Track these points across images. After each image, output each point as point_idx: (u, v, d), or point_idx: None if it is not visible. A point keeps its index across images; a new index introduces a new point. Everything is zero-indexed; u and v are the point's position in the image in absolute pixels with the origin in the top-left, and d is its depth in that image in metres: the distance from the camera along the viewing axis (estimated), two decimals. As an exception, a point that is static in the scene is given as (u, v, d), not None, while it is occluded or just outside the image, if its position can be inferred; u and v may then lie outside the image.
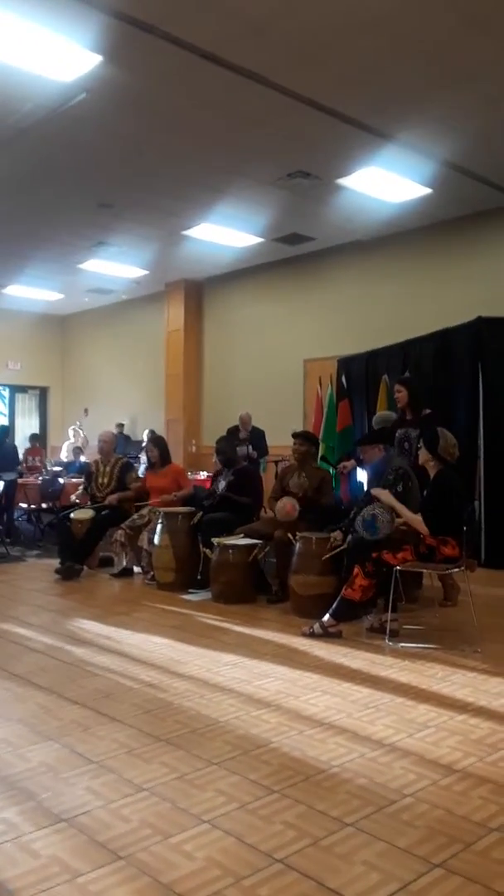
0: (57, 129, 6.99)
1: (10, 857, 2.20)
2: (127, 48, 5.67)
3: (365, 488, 5.79)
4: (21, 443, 12.60)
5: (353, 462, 6.54)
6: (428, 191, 8.53)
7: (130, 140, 7.36)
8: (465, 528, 4.61)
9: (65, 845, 2.27)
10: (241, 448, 8.61)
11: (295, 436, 6.30)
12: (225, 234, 10.29)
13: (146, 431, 12.09)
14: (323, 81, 6.17)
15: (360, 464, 5.93)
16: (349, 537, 5.11)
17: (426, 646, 4.52)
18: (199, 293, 13.53)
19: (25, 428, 15.96)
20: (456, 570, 4.72)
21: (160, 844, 2.27)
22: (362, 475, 6.41)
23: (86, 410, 15.92)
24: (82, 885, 2.06)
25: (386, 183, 8.32)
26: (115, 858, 2.19)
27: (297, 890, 2.04)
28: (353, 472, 7.17)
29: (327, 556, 5.21)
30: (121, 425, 13.99)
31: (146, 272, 12.44)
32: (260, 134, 7.18)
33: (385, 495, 4.86)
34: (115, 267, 12.07)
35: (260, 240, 10.57)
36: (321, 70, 5.98)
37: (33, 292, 14.00)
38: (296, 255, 11.53)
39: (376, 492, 4.95)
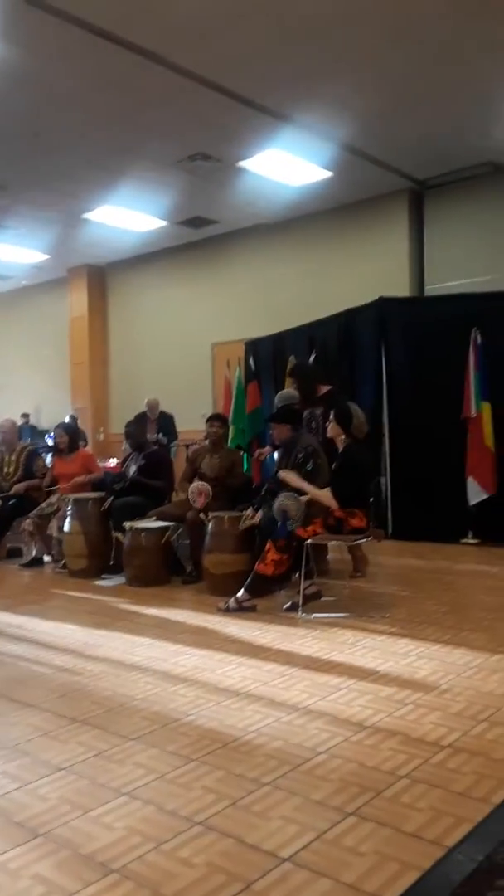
0: None
1: None
2: (22, 25, 5.50)
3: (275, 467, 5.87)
4: None
5: (268, 449, 6.60)
6: (328, 174, 8.68)
7: (24, 119, 7.15)
8: (371, 499, 4.76)
9: (-19, 828, 2.23)
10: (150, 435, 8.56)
11: (213, 418, 6.32)
12: (127, 217, 10.15)
13: (67, 417, 11.87)
14: (218, 62, 6.18)
15: (276, 448, 5.99)
16: (260, 512, 5.18)
17: (338, 615, 4.65)
18: (102, 278, 13.31)
19: None
20: (364, 540, 4.87)
21: (80, 819, 2.27)
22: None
23: (-12, 401, 15.41)
24: (1, 864, 2.04)
25: (287, 166, 8.41)
26: (34, 836, 2.18)
27: (217, 848, 2.08)
28: (268, 458, 7.25)
29: (245, 526, 5.24)
30: (26, 415, 13.64)
31: (47, 257, 12.14)
32: (158, 115, 7.12)
33: (291, 477, 4.94)
34: (15, 251, 11.72)
35: (163, 223, 10.49)
36: (215, 50, 5.98)
37: None
38: (200, 239, 11.51)
39: (283, 474, 5.03)
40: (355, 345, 7.87)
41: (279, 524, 4.75)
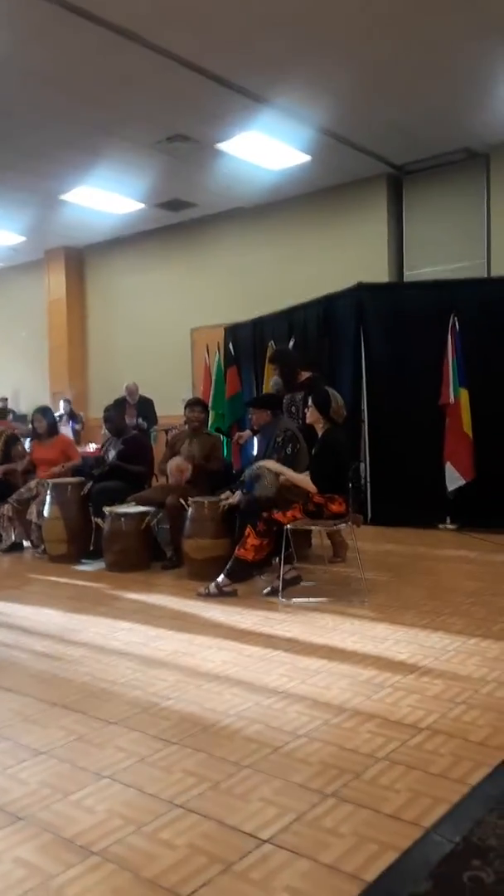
0: None
1: None
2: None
3: (255, 453, 5.88)
4: None
5: (248, 433, 6.60)
6: (307, 158, 8.64)
7: None
8: (350, 485, 4.78)
9: (-39, 813, 2.24)
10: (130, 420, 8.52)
11: (194, 403, 6.30)
12: (104, 198, 10.05)
13: (62, 401, 11.83)
14: (195, 41, 6.12)
15: (255, 433, 6.00)
16: (238, 493, 5.20)
17: (317, 600, 4.69)
18: (80, 261, 13.18)
19: None
20: (343, 525, 4.90)
21: (60, 803, 2.28)
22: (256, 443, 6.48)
23: (-35, 385, 15.25)
24: (-19, 849, 2.04)
25: (265, 149, 8.36)
26: (14, 820, 2.19)
27: (198, 830, 2.10)
28: (248, 443, 7.24)
29: (223, 507, 5.25)
30: (4, 399, 13.50)
31: (23, 239, 11.98)
32: (136, 94, 7.04)
33: (271, 464, 4.96)
34: (-10, 233, 11.57)
35: (141, 205, 10.40)
36: (192, 30, 5.92)
37: None
38: (179, 223, 11.42)
39: (263, 463, 5.04)
40: (334, 330, 7.88)
41: (247, 482, 4.77)
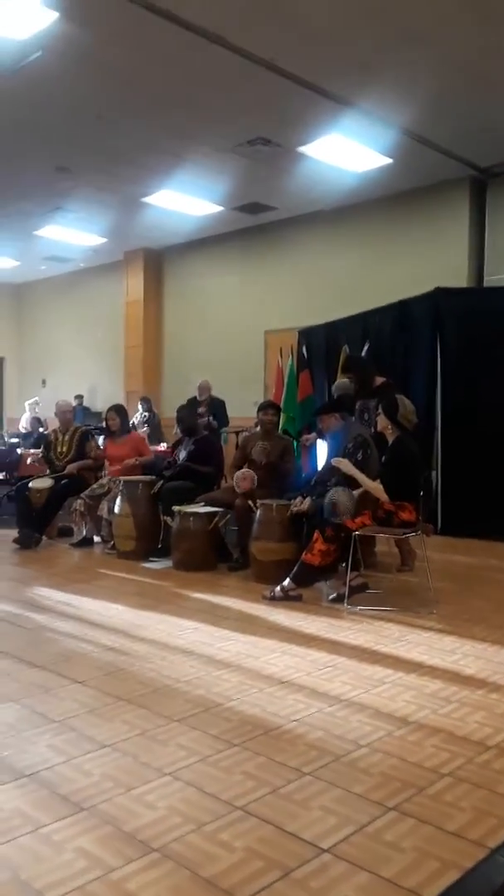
0: (11, 88, 6.82)
1: (-28, 812, 2.22)
2: (84, 4, 5.53)
3: (321, 459, 5.85)
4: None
5: (314, 435, 6.58)
6: (388, 160, 8.54)
7: (87, 101, 7.20)
8: (421, 493, 4.70)
9: (27, 799, 2.29)
10: (201, 420, 8.58)
11: (267, 406, 6.32)
12: (184, 201, 10.18)
13: (140, 401, 11.93)
14: (280, 44, 6.11)
15: (322, 437, 5.97)
16: (308, 500, 5.17)
17: (383, 608, 4.62)
18: (158, 262, 13.38)
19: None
20: (413, 534, 4.82)
21: (122, 796, 2.31)
22: (323, 448, 6.44)
23: (43, 382, 15.71)
24: (45, 836, 2.09)
25: (347, 152, 8.30)
26: (77, 810, 2.23)
27: (257, 834, 2.10)
28: (314, 446, 7.21)
29: (293, 512, 5.22)
30: (80, 397, 13.85)
31: (104, 240, 12.25)
32: (219, 98, 7.09)
33: (345, 464, 4.93)
34: (73, 234, 11.87)
35: (220, 208, 10.48)
36: (278, 33, 5.92)
37: (-12, 260, 13.69)
38: (257, 225, 11.46)
39: (336, 461, 5.02)
40: (410, 335, 7.76)
41: (325, 515, 4.73)
